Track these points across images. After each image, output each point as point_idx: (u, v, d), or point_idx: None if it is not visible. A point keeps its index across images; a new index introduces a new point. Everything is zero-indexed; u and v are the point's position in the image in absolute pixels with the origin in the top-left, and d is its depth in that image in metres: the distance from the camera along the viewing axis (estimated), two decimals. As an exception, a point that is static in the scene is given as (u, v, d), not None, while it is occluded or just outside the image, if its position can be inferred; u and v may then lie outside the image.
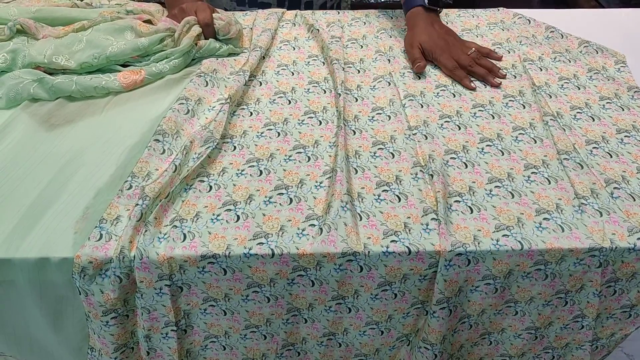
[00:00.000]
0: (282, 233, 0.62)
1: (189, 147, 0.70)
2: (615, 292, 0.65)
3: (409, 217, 0.64)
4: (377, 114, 0.80)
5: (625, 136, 0.76)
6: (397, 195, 0.66)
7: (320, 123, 0.78)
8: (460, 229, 0.62)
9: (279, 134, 0.76)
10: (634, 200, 0.67)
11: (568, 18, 1.04)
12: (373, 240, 0.61)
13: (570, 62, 0.91)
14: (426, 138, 0.75)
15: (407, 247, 0.60)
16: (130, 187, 0.66)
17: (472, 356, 0.73)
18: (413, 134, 0.76)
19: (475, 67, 0.88)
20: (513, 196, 0.67)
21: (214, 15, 0.93)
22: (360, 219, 0.63)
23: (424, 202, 0.65)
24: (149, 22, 0.94)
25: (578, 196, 0.66)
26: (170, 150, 0.72)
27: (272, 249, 0.60)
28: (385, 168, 0.70)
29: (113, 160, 0.71)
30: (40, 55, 0.84)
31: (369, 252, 0.60)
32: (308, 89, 0.85)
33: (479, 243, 0.61)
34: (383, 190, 0.67)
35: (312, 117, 0.79)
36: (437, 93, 0.85)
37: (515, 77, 0.88)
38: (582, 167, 0.70)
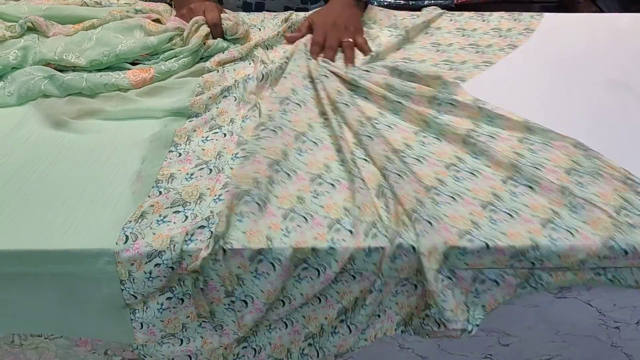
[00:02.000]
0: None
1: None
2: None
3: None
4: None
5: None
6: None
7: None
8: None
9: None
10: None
11: (568, 23, 1.05)
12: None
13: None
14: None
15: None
16: (179, 154, 0.70)
17: None
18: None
19: (330, 50, 0.91)
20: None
21: (222, 15, 0.94)
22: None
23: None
24: (157, 21, 0.95)
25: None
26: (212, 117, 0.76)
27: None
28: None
29: (136, 151, 0.72)
30: (51, 52, 0.85)
31: None
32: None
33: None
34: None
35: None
36: None
37: None
38: None
